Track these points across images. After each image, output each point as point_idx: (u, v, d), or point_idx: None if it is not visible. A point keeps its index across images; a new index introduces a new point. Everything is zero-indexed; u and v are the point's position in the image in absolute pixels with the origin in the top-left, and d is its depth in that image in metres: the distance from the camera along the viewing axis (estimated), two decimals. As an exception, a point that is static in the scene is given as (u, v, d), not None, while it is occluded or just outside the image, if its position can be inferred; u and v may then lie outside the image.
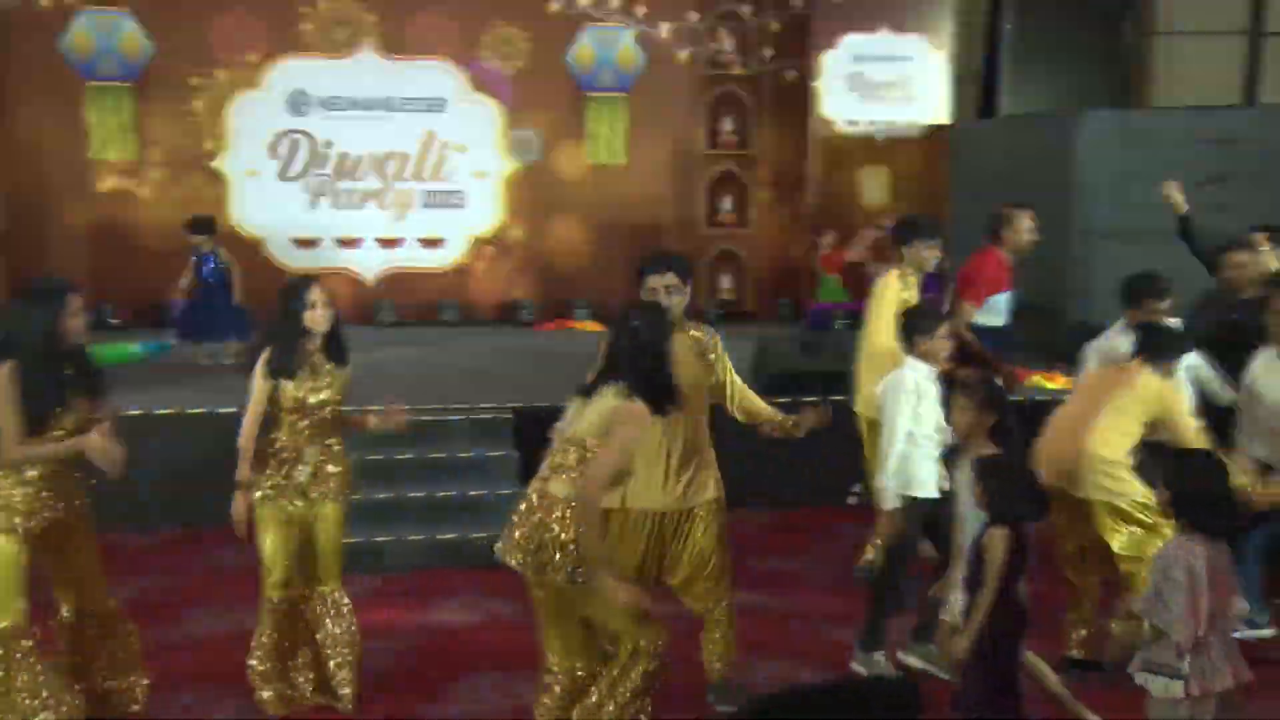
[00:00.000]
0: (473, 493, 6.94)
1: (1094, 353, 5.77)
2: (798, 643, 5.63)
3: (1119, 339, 5.61)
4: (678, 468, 4.66)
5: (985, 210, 6.95)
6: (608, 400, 3.96)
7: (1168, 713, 3.71)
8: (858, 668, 5.19)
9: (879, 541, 6.00)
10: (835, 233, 11.57)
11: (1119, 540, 5.00)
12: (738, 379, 4.89)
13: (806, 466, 7.66)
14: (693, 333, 4.73)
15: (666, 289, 4.54)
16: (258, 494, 4.71)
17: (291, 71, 11.44)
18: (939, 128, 11.58)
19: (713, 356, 4.78)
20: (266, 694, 4.76)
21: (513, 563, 3.97)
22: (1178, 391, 5.09)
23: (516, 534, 3.97)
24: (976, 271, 6.61)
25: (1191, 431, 4.95)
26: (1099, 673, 5.08)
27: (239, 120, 11.40)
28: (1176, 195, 6.66)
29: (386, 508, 6.79)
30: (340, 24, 11.45)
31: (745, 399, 4.88)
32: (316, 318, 4.69)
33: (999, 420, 4.50)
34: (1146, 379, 5.01)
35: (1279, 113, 9.62)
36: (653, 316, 4.14)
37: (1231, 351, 5.69)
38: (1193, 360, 5.54)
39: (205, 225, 9.37)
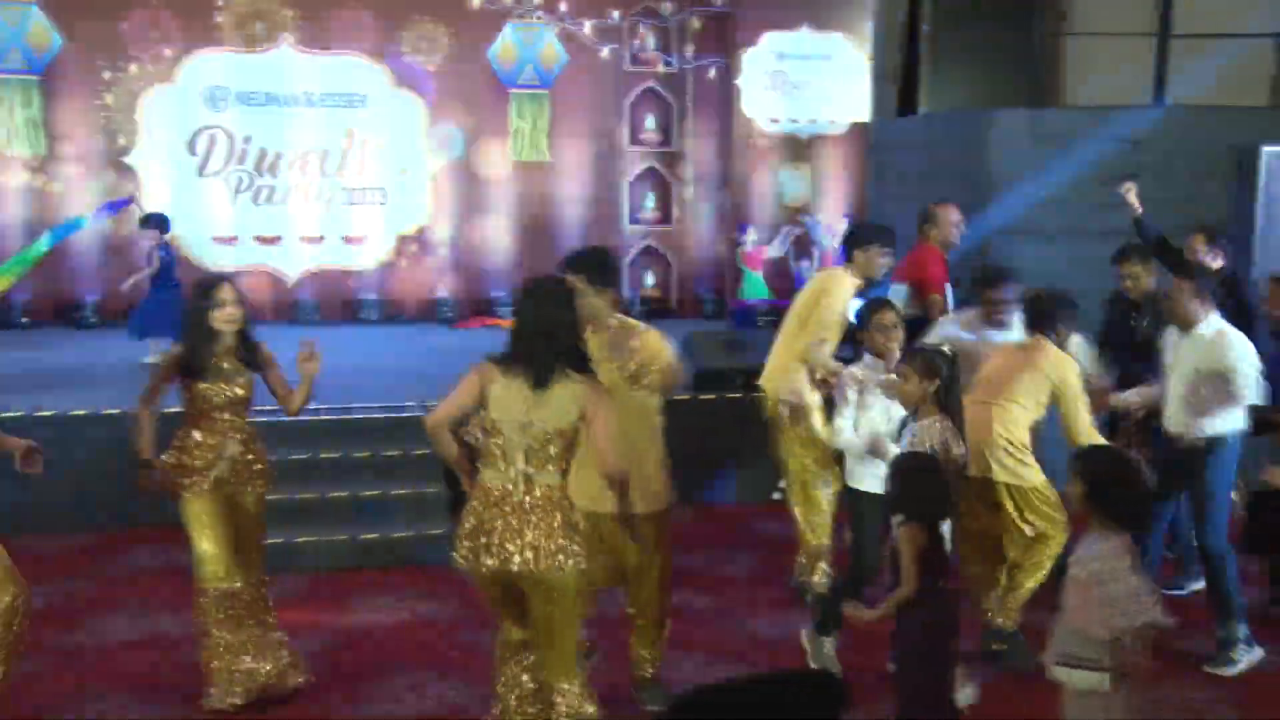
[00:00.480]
0: (396, 492, 6.90)
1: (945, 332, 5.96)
2: (721, 639, 5.68)
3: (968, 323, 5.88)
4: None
5: (905, 207, 7.08)
6: (571, 387, 3.88)
7: (1090, 710, 3.73)
8: (805, 644, 5.21)
9: (802, 554, 6.07)
10: (758, 230, 11.67)
11: (1025, 525, 5.14)
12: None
13: (731, 463, 7.73)
14: (613, 329, 4.63)
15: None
16: (184, 493, 4.66)
17: (207, 66, 11.26)
18: (859, 125, 11.72)
19: (636, 344, 4.64)
20: (213, 690, 4.71)
21: (522, 568, 3.83)
22: (1073, 364, 5.23)
23: (516, 541, 3.83)
24: (925, 267, 6.77)
25: (1082, 406, 5.12)
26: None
27: (153, 115, 11.20)
28: (1132, 197, 6.81)
29: (309, 508, 6.74)
30: (257, 18, 11.29)
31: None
32: (225, 317, 4.64)
33: (943, 385, 4.57)
34: (1047, 350, 5.18)
35: (1185, 113, 9.86)
36: (548, 288, 4.04)
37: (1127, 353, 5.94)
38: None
39: (157, 222, 9.19)
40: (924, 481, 4.15)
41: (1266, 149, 8.28)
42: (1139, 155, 9.03)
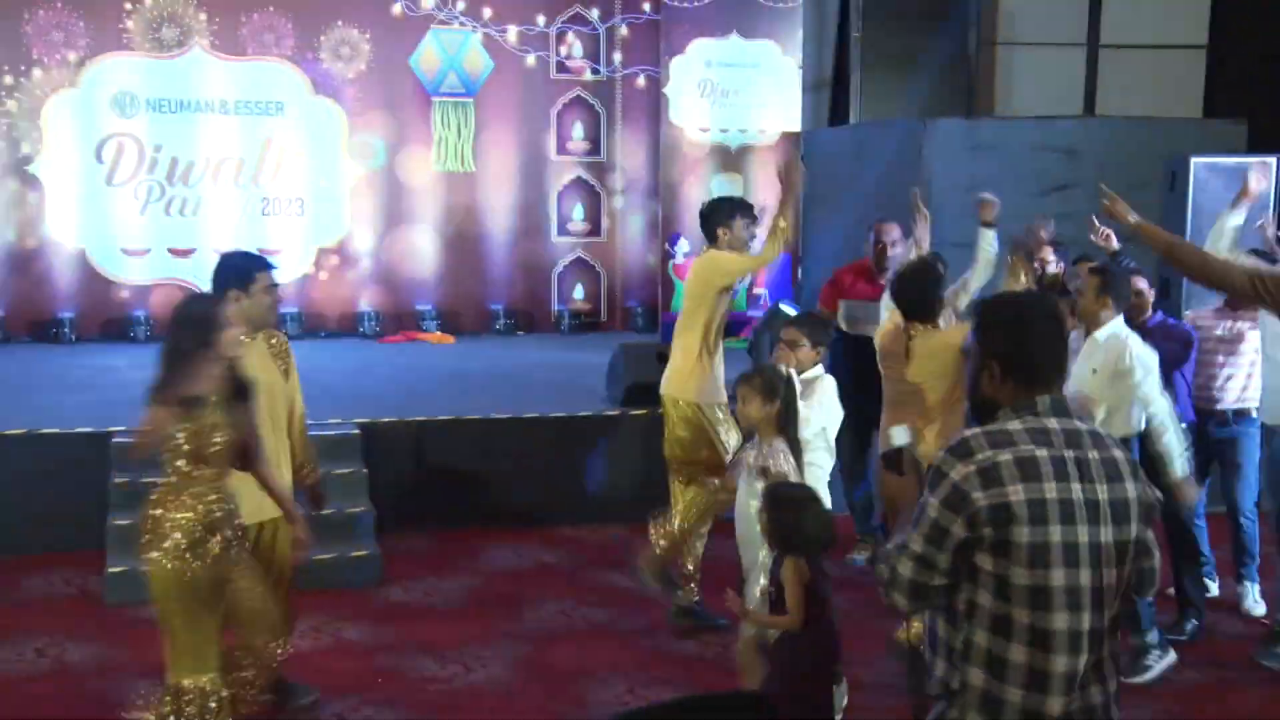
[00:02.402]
0: (318, 512, 6.82)
1: None
2: (649, 661, 5.69)
3: None
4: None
5: (837, 218, 7.21)
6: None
7: None
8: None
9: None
10: (690, 241, 11.74)
11: None
12: (301, 401, 4.92)
13: (663, 480, 7.75)
14: (271, 340, 4.81)
15: None
16: None
17: (115, 71, 11.09)
18: (791, 135, 11.85)
19: (283, 365, 4.82)
20: None
21: None
22: None
23: None
24: (830, 281, 7.08)
25: None
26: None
27: (58, 122, 11.00)
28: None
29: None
30: (168, 21, 11.15)
31: (301, 425, 4.93)
32: None
33: (785, 407, 4.66)
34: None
35: (1116, 124, 10.12)
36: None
37: None
38: None
39: None
40: (803, 512, 4.15)
41: (1196, 160, 8.52)
42: (1073, 166, 9.26)
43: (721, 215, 6.00)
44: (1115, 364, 5.36)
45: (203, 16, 11.20)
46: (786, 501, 4.19)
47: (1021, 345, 2.72)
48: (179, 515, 3.95)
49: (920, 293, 5.38)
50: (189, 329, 4.03)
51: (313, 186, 11.60)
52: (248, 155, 11.41)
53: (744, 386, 4.72)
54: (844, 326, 6.90)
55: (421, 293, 11.84)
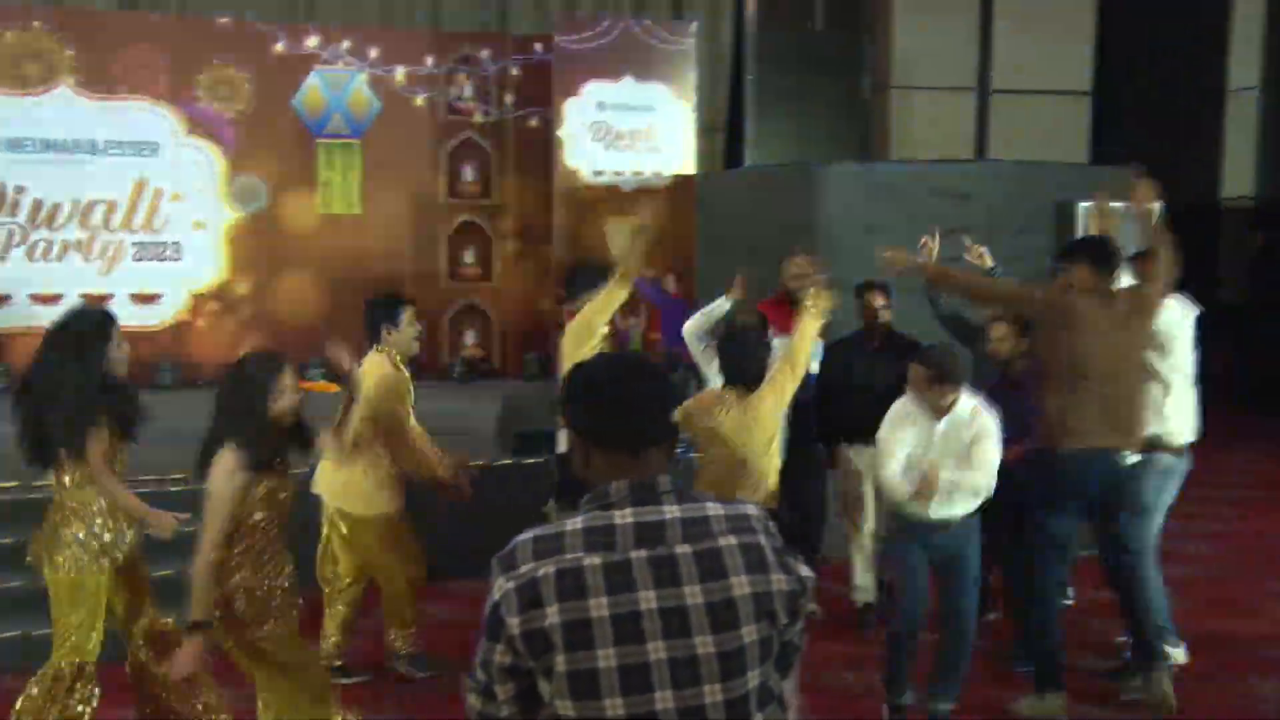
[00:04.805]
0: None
1: None
2: None
3: None
4: None
5: (734, 262, 7.36)
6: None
7: None
8: None
9: None
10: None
11: None
12: None
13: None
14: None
15: None
16: None
17: (-27, 109, 10.89)
18: (685, 178, 12.05)
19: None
20: None
21: None
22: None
23: None
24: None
25: None
26: None
27: (-89, 163, 10.76)
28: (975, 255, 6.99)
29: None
30: (30, 58, 10.98)
31: None
32: None
33: None
34: None
35: (1006, 168, 10.49)
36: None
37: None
38: None
39: None
40: None
41: (1083, 204, 8.87)
42: (966, 209, 9.57)
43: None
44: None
45: (69, 53, 11.05)
46: None
47: (595, 417, 2.35)
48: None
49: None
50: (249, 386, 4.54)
51: (189, 230, 11.47)
52: (119, 197, 11.25)
53: None
54: None
55: (306, 341, 11.73)
